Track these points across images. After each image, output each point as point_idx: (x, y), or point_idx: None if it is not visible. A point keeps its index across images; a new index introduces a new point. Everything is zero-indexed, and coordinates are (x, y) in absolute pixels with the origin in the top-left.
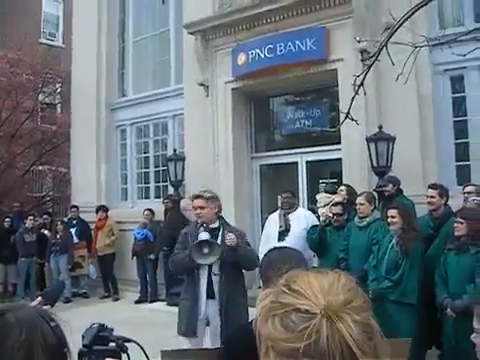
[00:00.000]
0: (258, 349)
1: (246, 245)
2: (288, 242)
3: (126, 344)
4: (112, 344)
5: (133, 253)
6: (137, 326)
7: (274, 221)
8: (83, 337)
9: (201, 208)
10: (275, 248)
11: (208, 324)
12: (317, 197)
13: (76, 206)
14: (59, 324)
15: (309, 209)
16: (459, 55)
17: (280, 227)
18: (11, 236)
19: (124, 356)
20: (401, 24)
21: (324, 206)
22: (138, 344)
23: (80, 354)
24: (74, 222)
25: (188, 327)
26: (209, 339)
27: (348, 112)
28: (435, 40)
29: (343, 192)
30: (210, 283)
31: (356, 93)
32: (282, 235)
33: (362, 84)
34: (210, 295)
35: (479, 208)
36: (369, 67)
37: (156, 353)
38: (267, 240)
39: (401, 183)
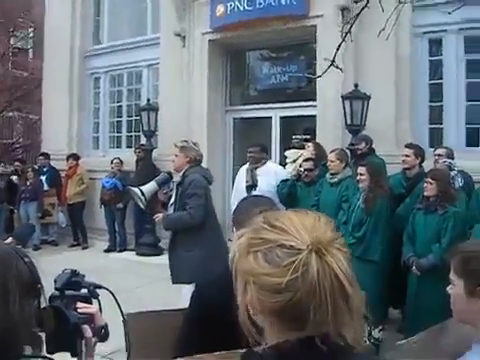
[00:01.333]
0: (234, 286)
1: (190, 197)
2: None
3: (97, 290)
4: (84, 290)
5: (101, 202)
6: (106, 274)
7: (242, 175)
8: (55, 281)
9: (175, 155)
10: (246, 197)
11: None
12: (286, 153)
13: (45, 154)
14: (33, 261)
15: (281, 164)
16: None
17: (246, 182)
18: None
19: (95, 302)
20: None
21: (294, 161)
22: (109, 291)
23: (51, 298)
24: (44, 169)
25: None
26: None
27: (333, 60)
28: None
29: (310, 148)
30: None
31: (343, 40)
32: (249, 190)
33: (349, 31)
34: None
35: (449, 170)
36: (357, 15)
37: (124, 301)
38: (236, 194)
39: (374, 142)
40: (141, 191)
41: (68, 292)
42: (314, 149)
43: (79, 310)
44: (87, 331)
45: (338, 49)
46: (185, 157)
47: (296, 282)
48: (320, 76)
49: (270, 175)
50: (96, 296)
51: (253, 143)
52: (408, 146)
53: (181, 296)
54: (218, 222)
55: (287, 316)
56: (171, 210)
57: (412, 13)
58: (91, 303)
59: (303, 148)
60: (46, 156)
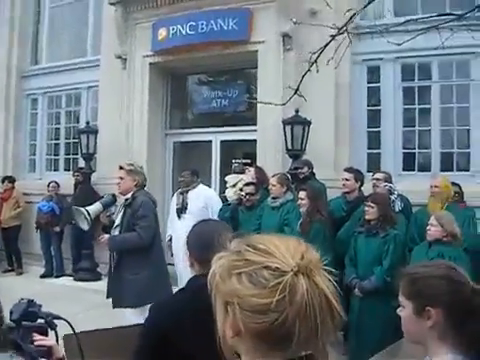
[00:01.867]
0: (213, 307)
1: (140, 218)
2: (186, 219)
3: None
4: (40, 320)
5: (37, 226)
6: (43, 301)
7: (174, 199)
8: (11, 312)
9: (120, 178)
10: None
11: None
12: (226, 178)
13: None
14: None
15: (221, 188)
16: (394, 43)
17: (177, 205)
18: None
19: (52, 333)
20: None
21: (233, 186)
22: (67, 321)
23: (7, 329)
24: None
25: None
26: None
27: (297, 89)
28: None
29: (251, 172)
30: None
31: (308, 70)
32: (179, 212)
33: (316, 61)
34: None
35: (389, 194)
36: (326, 45)
37: (66, 327)
38: (171, 218)
39: (314, 167)
40: (87, 211)
41: (25, 323)
42: (255, 173)
43: (36, 343)
44: None
45: (303, 78)
46: (133, 180)
47: (283, 302)
48: (284, 104)
49: (199, 197)
50: (54, 327)
51: (185, 168)
52: (347, 170)
53: (124, 321)
54: (162, 247)
55: (272, 337)
56: (116, 232)
57: (351, 41)
58: (47, 334)
59: (243, 173)
60: None
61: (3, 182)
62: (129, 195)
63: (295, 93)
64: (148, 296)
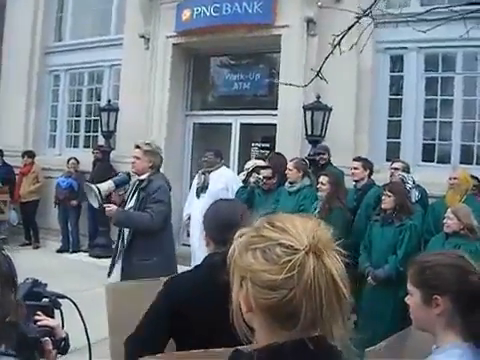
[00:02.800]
0: (230, 282)
1: (154, 202)
2: (205, 199)
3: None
4: (45, 300)
5: (56, 201)
6: (57, 275)
7: (195, 179)
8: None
9: (136, 158)
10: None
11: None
12: (246, 165)
13: None
14: (8, 254)
15: (240, 171)
16: (420, 31)
17: (197, 184)
18: None
19: (57, 312)
20: None
21: (251, 171)
22: (72, 301)
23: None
24: None
25: (109, 267)
26: None
27: (319, 71)
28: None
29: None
30: (122, 233)
31: (331, 52)
32: (199, 192)
33: (339, 44)
34: (123, 241)
35: (403, 183)
36: (348, 29)
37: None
38: (190, 197)
39: (332, 153)
40: (98, 189)
41: (29, 302)
42: (271, 159)
43: (39, 323)
44: (48, 344)
45: (325, 60)
46: (148, 162)
47: (291, 280)
48: (306, 85)
49: (221, 178)
50: (58, 306)
51: (208, 148)
52: (356, 159)
53: None
54: (172, 231)
55: (280, 314)
56: None
57: (375, 29)
58: (53, 313)
59: (263, 159)
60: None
61: (23, 157)
62: (144, 176)
63: (317, 75)
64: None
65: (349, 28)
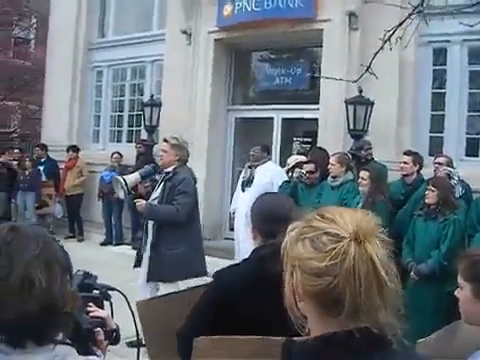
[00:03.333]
0: (284, 271)
1: (180, 193)
2: (250, 193)
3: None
4: (96, 291)
5: (100, 195)
6: (101, 268)
7: (242, 173)
8: None
9: (164, 151)
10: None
11: None
12: (288, 160)
13: (41, 145)
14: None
15: (281, 166)
16: (466, 25)
17: (243, 178)
18: None
19: (107, 304)
20: None
21: (292, 168)
22: (121, 293)
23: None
24: (42, 160)
25: (135, 258)
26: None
27: (369, 66)
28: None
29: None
30: (146, 224)
31: (381, 48)
32: (244, 186)
33: (389, 39)
34: (146, 232)
35: (448, 178)
36: (399, 24)
37: (118, 295)
38: (237, 191)
39: (373, 148)
40: (124, 180)
41: (81, 294)
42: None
43: (91, 314)
44: (100, 334)
45: (375, 55)
46: (175, 155)
47: (335, 267)
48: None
49: (266, 172)
50: (108, 298)
51: (256, 143)
52: (407, 153)
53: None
54: (199, 223)
55: (326, 300)
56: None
57: (418, 22)
58: (102, 305)
59: (305, 154)
60: (42, 147)
61: (68, 151)
62: (170, 169)
63: (366, 70)
64: (182, 272)
65: (400, 24)
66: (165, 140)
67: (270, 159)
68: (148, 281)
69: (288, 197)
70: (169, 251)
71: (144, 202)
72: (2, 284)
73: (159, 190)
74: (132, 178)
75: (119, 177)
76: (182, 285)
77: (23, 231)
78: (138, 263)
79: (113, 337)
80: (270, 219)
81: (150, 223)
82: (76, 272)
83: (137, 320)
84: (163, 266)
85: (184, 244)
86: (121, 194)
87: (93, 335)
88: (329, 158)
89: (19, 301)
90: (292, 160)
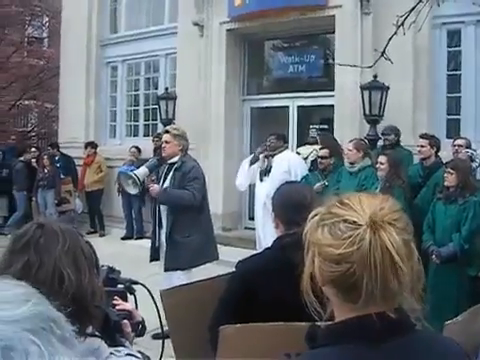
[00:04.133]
0: (304, 256)
1: (191, 180)
2: (268, 184)
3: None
4: (120, 286)
5: (120, 190)
6: (122, 262)
7: (258, 163)
8: None
9: (167, 143)
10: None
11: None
12: (298, 150)
13: (52, 144)
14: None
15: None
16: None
17: (260, 167)
18: (3, 170)
19: (131, 297)
20: None
21: (305, 158)
22: (144, 286)
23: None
24: (56, 158)
25: (150, 252)
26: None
27: (383, 51)
28: None
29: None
30: (159, 213)
31: (394, 33)
32: (262, 175)
33: (402, 24)
34: (159, 224)
35: (470, 160)
36: (413, 8)
37: (140, 288)
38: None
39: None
40: (136, 175)
41: (105, 289)
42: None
43: (117, 307)
44: (127, 326)
45: (389, 41)
46: (178, 145)
47: (351, 254)
48: (371, 66)
49: (283, 161)
50: (133, 292)
51: (272, 132)
52: (423, 136)
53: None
54: (210, 211)
55: (344, 287)
56: None
57: (431, 4)
58: (126, 298)
59: (316, 143)
60: (54, 146)
61: (86, 148)
62: (176, 159)
63: (381, 55)
64: (197, 259)
65: (413, 8)
66: (166, 131)
67: (287, 148)
68: (166, 271)
69: (309, 186)
70: (184, 238)
71: (157, 186)
72: (33, 280)
73: (168, 180)
74: (142, 172)
75: (130, 173)
76: (196, 272)
77: (50, 228)
78: (156, 256)
79: (139, 329)
80: (292, 208)
81: (164, 214)
82: (101, 267)
83: (161, 311)
84: (179, 254)
85: (198, 231)
86: (134, 190)
87: (121, 327)
88: (337, 142)
89: (50, 296)
90: (303, 149)
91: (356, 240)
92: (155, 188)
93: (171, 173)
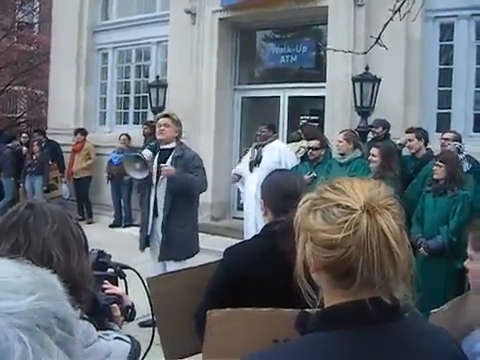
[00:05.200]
0: (295, 241)
1: (196, 168)
2: (258, 174)
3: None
4: (110, 270)
5: (109, 177)
6: (110, 249)
7: (248, 154)
8: None
9: (165, 126)
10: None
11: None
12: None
13: (38, 130)
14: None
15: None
16: None
17: (250, 158)
18: None
19: (121, 282)
20: None
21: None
22: (135, 271)
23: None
24: (43, 145)
25: (140, 240)
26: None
27: (378, 37)
28: None
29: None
30: (155, 201)
31: (391, 19)
32: (251, 166)
33: (399, 10)
34: (155, 212)
35: (457, 152)
36: None
37: (130, 276)
38: (241, 166)
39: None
40: (143, 156)
41: (95, 272)
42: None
43: (107, 291)
44: (116, 310)
45: (384, 27)
46: (175, 131)
47: (348, 239)
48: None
49: (273, 152)
50: (123, 276)
51: (263, 122)
52: (409, 131)
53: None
54: None
55: (338, 272)
56: (163, 183)
57: None
58: (117, 283)
59: (298, 139)
60: (40, 132)
61: (75, 134)
62: (173, 145)
63: (376, 42)
64: (191, 249)
65: None
66: (167, 115)
67: (277, 138)
68: (160, 260)
69: (299, 174)
70: (180, 229)
71: (171, 167)
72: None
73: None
74: (147, 154)
75: (138, 154)
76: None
77: (40, 208)
78: (146, 244)
79: (129, 313)
80: (281, 195)
81: (160, 203)
82: (90, 251)
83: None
84: (174, 244)
85: (191, 221)
86: (141, 174)
87: (110, 311)
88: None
89: None
90: (292, 148)
91: (351, 225)
92: (171, 168)
93: (169, 160)
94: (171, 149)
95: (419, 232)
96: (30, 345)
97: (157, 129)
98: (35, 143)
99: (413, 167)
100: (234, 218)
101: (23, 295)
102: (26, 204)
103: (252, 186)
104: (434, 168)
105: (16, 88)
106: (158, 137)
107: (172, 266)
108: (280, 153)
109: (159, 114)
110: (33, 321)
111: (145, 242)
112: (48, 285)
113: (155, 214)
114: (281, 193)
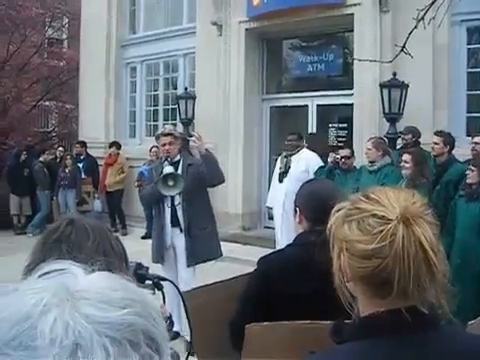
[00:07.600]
0: (330, 252)
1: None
2: (286, 183)
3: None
4: (148, 282)
5: (139, 190)
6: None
7: (278, 163)
8: None
9: (170, 144)
10: (308, 182)
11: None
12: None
13: (81, 142)
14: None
15: None
16: None
17: (280, 169)
18: (25, 169)
19: (159, 293)
20: None
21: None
22: (172, 282)
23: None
24: (81, 158)
25: (157, 254)
26: (180, 264)
27: (404, 45)
28: None
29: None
30: (174, 212)
31: (415, 27)
32: (281, 176)
33: (423, 18)
34: (174, 223)
35: None
36: (431, 3)
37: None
38: (273, 182)
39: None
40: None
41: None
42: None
43: None
44: None
45: (410, 34)
46: (179, 145)
47: (383, 249)
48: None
49: (301, 160)
50: (160, 288)
51: (291, 132)
52: (437, 134)
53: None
54: None
55: (374, 282)
56: (177, 197)
57: (450, 1)
58: (155, 294)
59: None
60: (83, 144)
61: (110, 147)
62: (178, 157)
63: (402, 50)
64: (217, 250)
65: (432, 3)
66: (169, 134)
67: (304, 147)
68: (189, 266)
69: (334, 184)
70: (203, 231)
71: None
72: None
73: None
74: (169, 170)
75: (174, 172)
76: (211, 270)
77: (80, 224)
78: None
79: (167, 324)
80: (318, 204)
81: (179, 209)
82: (129, 263)
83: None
84: (201, 247)
85: (212, 221)
86: (177, 189)
87: None
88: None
89: None
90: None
91: (388, 235)
92: (202, 143)
93: (180, 169)
94: (179, 160)
95: (451, 241)
96: (113, 355)
97: (162, 148)
98: (68, 157)
99: (434, 174)
100: (265, 227)
101: (116, 308)
102: (67, 220)
103: (281, 196)
104: (467, 172)
105: (47, 103)
106: (165, 156)
107: (185, 272)
108: (308, 162)
109: (159, 132)
110: (121, 334)
111: (160, 254)
112: (142, 303)
113: (173, 224)
114: (318, 202)
